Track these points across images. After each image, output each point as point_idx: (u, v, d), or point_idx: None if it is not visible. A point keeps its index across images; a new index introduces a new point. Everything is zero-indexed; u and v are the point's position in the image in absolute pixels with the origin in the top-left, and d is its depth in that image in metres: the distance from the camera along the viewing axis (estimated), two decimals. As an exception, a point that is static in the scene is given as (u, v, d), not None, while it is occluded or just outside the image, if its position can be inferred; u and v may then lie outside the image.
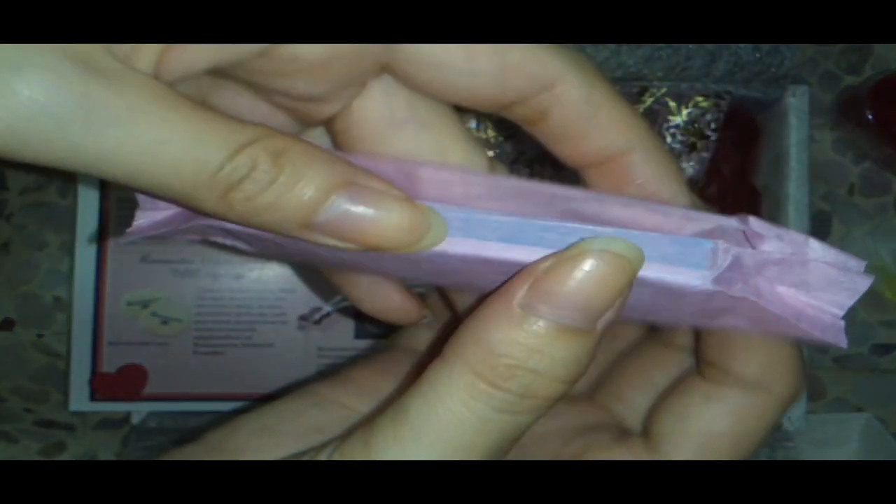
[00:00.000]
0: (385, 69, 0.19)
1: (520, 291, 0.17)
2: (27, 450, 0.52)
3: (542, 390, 0.17)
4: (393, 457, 0.17)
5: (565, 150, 0.20)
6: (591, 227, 0.17)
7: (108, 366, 0.46)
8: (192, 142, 0.16)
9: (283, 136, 0.16)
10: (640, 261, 0.17)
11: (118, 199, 0.46)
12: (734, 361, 0.21)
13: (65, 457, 0.52)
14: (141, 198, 0.19)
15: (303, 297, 0.47)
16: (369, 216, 0.17)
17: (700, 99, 0.45)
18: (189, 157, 0.16)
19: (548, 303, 0.16)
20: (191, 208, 0.17)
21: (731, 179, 0.49)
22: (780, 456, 0.43)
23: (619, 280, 0.17)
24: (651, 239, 0.17)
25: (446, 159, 0.20)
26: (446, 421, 0.17)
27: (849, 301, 0.18)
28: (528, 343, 0.16)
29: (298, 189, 0.16)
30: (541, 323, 0.16)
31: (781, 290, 0.18)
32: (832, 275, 0.18)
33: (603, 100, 0.19)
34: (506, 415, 0.17)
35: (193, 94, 0.18)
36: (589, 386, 0.25)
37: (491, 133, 0.46)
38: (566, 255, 0.17)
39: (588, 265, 0.16)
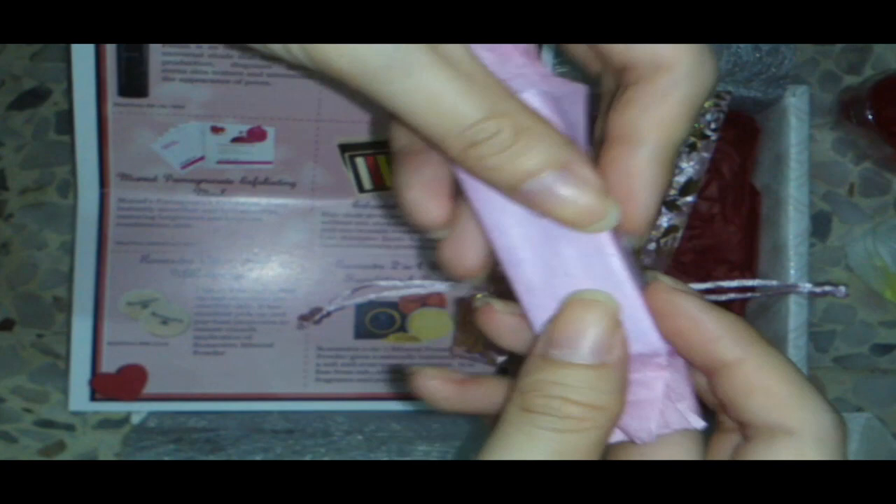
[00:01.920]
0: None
1: (539, 345, 0.22)
2: (27, 450, 0.52)
3: (573, 411, 0.21)
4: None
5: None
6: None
7: (108, 366, 0.46)
8: (460, 99, 0.20)
9: (530, 116, 0.21)
10: (614, 306, 0.22)
11: (118, 199, 0.46)
12: None
13: (65, 457, 0.52)
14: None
15: (302, 297, 0.47)
16: (565, 198, 0.21)
17: (700, 99, 0.45)
18: (453, 111, 0.20)
19: (554, 347, 0.21)
20: (438, 150, 0.21)
21: (731, 179, 0.49)
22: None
23: (599, 320, 0.21)
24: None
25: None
26: (511, 444, 0.21)
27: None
28: (548, 379, 0.21)
29: (521, 161, 0.20)
30: (553, 363, 0.21)
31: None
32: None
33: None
34: (553, 434, 0.21)
35: None
36: None
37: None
38: (562, 309, 0.22)
39: (572, 313, 0.22)
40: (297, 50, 0.20)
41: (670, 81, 0.22)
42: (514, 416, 0.21)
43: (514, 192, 0.21)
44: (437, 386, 0.26)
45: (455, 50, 0.20)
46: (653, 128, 0.22)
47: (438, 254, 0.25)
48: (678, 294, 0.22)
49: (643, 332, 0.22)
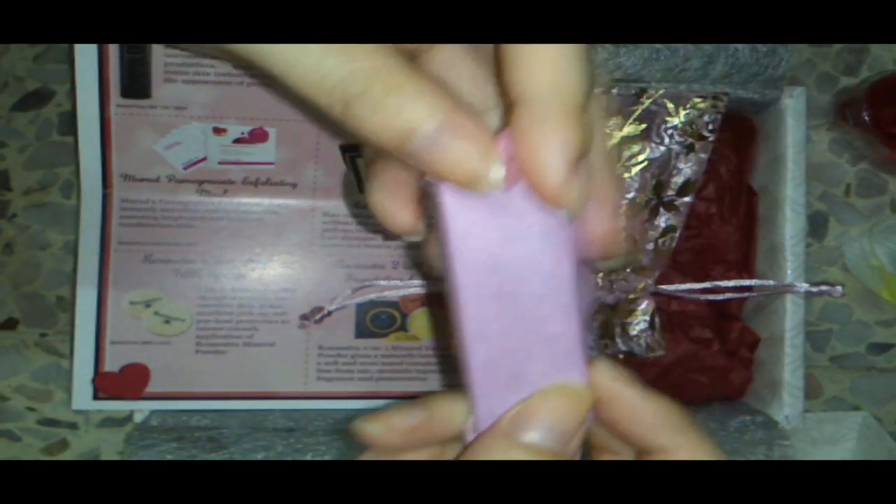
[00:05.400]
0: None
1: (504, 424, 0.22)
2: (30, 448, 0.52)
3: None
4: None
5: None
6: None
7: (111, 365, 0.46)
8: (322, 57, 0.19)
9: (403, 72, 0.19)
10: (589, 399, 0.22)
11: (121, 199, 0.46)
12: None
13: (67, 455, 0.52)
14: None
15: (304, 296, 0.48)
16: (450, 150, 0.19)
17: (698, 100, 0.45)
18: (317, 68, 0.19)
19: (530, 430, 0.22)
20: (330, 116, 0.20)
21: (728, 180, 0.49)
22: (776, 454, 0.44)
23: (578, 414, 0.22)
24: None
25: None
26: None
27: None
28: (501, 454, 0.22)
29: (399, 120, 0.19)
30: (523, 447, 0.22)
31: None
32: None
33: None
34: None
35: None
36: None
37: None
38: (545, 394, 0.22)
39: (558, 401, 0.22)
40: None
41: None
42: None
43: (402, 153, 0.20)
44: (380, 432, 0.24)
45: None
46: (536, 83, 0.20)
47: (419, 255, 0.25)
48: (618, 383, 0.23)
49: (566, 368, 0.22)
